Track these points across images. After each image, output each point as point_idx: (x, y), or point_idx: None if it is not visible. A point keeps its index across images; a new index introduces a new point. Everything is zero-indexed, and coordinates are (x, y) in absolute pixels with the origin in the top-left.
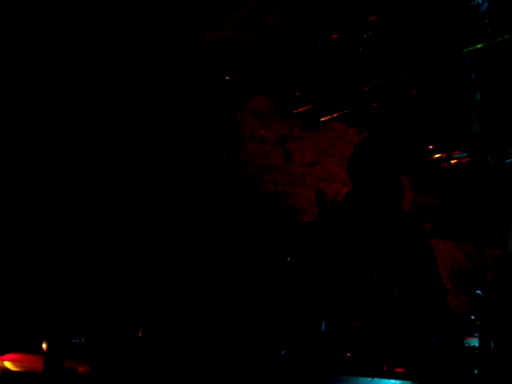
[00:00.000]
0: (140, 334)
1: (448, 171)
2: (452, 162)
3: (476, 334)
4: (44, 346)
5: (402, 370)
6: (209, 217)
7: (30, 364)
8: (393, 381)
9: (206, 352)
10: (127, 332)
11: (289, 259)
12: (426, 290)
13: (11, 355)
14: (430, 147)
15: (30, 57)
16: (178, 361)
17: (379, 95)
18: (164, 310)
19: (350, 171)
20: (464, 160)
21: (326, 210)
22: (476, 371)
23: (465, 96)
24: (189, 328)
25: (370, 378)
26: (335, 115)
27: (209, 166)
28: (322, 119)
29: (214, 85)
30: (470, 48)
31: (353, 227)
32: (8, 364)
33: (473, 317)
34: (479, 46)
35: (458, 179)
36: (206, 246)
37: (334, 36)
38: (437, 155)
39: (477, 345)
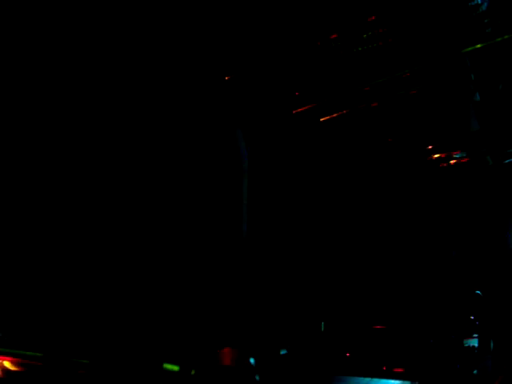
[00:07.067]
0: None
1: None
2: (451, 162)
3: (475, 335)
4: (44, 346)
5: (401, 370)
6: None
7: (30, 364)
8: (392, 381)
9: (205, 352)
10: (128, 332)
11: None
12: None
13: (11, 355)
14: (430, 147)
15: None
16: (178, 360)
17: (379, 95)
18: (164, 311)
19: None
20: (463, 160)
21: None
22: (475, 371)
23: (465, 96)
24: (189, 328)
25: (370, 378)
26: (335, 115)
27: None
28: (322, 119)
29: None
30: (470, 48)
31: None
32: (8, 364)
33: (472, 317)
34: (479, 46)
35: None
36: (208, 250)
37: (334, 36)
38: (436, 155)
39: (476, 345)
